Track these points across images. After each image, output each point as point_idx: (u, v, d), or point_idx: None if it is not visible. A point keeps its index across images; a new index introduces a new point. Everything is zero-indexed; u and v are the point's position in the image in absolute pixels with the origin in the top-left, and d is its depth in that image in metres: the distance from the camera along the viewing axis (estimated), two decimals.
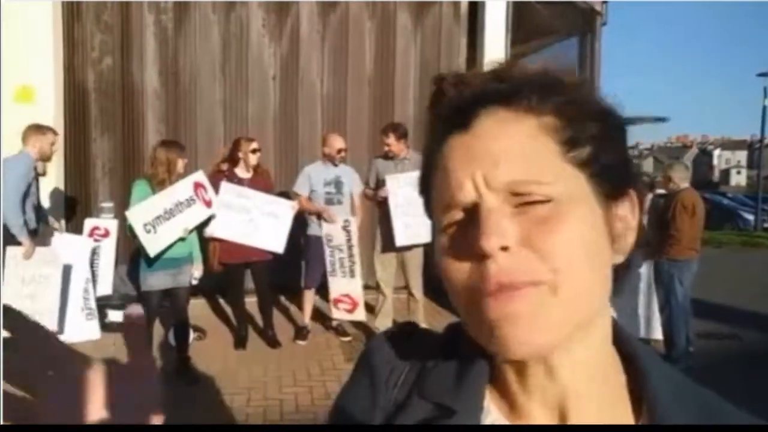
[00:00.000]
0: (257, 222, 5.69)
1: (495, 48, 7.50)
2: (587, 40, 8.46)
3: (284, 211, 5.84)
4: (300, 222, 6.08)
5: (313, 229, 5.98)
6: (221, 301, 7.13)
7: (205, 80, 7.51)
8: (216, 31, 7.51)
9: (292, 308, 6.91)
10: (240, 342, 5.89)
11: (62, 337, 5.66)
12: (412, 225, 5.53)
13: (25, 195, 5.11)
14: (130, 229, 4.85)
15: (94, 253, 6.36)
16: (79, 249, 6.07)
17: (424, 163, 0.63)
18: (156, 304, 4.99)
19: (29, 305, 5.20)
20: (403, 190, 5.57)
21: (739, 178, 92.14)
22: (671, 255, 5.55)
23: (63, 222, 6.58)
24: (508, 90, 0.56)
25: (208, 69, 7.51)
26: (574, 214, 0.53)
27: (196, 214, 5.22)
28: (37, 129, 5.37)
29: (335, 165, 5.94)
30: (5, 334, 0.44)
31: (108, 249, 6.52)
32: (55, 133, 5.56)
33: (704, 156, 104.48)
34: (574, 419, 0.57)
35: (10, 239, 5.10)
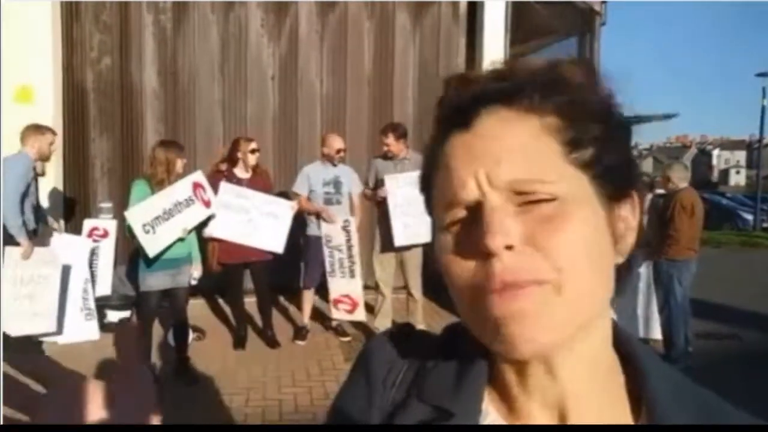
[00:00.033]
0: (256, 222, 5.69)
1: (494, 48, 7.50)
2: (586, 40, 8.46)
3: (283, 211, 5.84)
4: (299, 222, 6.08)
5: (312, 229, 5.98)
6: (220, 301, 7.13)
7: (204, 80, 7.51)
8: (215, 31, 7.51)
9: (292, 308, 6.91)
10: (239, 342, 5.88)
11: (61, 338, 5.68)
12: (411, 225, 5.53)
13: (24, 195, 5.10)
14: (129, 230, 4.85)
15: (93, 253, 6.36)
16: (78, 249, 6.06)
17: (426, 162, 0.63)
18: (155, 305, 4.98)
19: (28, 306, 5.19)
20: (402, 190, 5.57)
21: (738, 178, 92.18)
22: (670, 255, 5.56)
23: (62, 222, 6.58)
24: (509, 89, 0.56)
25: (207, 69, 7.51)
26: (577, 214, 0.53)
27: (195, 215, 5.22)
28: (35, 129, 5.36)
29: (334, 165, 5.94)
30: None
31: (107, 249, 6.52)
32: (53, 132, 5.56)
33: (703, 156, 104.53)
34: (573, 419, 0.57)
35: (9, 239, 5.09)
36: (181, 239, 5.01)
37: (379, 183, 5.83)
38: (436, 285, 6.06)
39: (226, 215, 5.56)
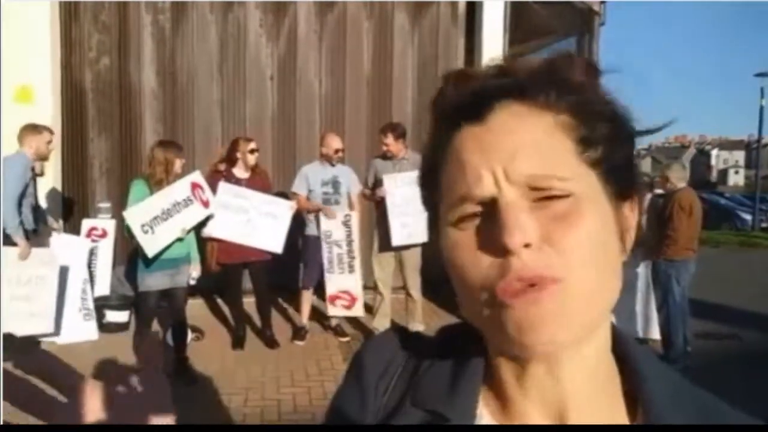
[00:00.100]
0: (255, 222, 5.68)
1: (493, 48, 7.50)
2: (585, 40, 8.47)
3: (282, 211, 5.84)
4: (298, 222, 6.08)
5: (311, 229, 5.97)
6: (219, 301, 7.13)
7: (203, 80, 7.50)
8: (213, 31, 7.51)
9: (290, 308, 6.91)
10: (238, 342, 5.88)
11: (60, 338, 5.67)
12: (409, 225, 5.53)
13: (23, 195, 5.09)
14: (128, 230, 4.85)
15: (92, 253, 6.36)
16: (77, 249, 6.06)
17: (429, 156, 0.62)
18: (154, 305, 4.98)
19: (25, 306, 5.19)
20: (400, 190, 5.57)
21: (736, 178, 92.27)
22: (669, 255, 5.56)
23: (61, 222, 6.58)
24: (524, 84, 0.56)
25: (206, 69, 7.50)
26: (590, 211, 0.53)
27: (193, 215, 5.22)
28: (32, 129, 5.36)
29: (333, 165, 5.94)
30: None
31: (106, 249, 6.52)
32: (51, 132, 5.54)
33: (702, 156, 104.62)
34: (572, 420, 0.57)
35: (7, 240, 5.09)
36: (179, 239, 5.01)
37: (378, 183, 5.83)
38: (435, 285, 6.07)
39: (224, 215, 5.56)
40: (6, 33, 6.19)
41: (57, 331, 5.62)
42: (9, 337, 4.82)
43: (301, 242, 6.21)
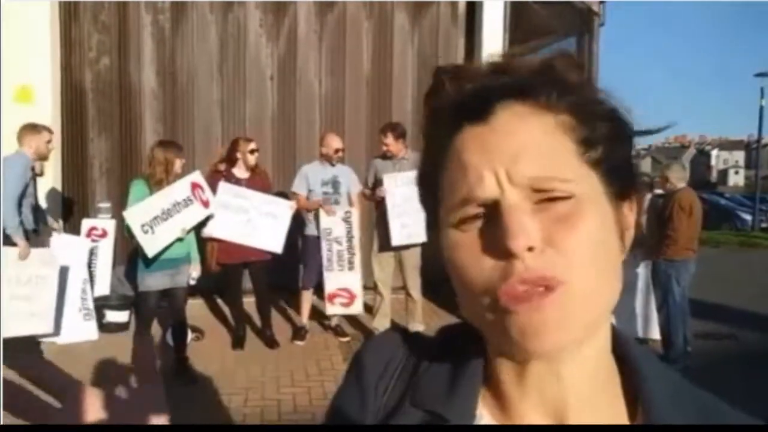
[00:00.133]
0: (255, 222, 5.68)
1: (493, 48, 7.46)
2: (585, 41, 8.46)
3: (282, 211, 5.84)
4: (298, 222, 6.08)
5: (311, 229, 5.97)
6: (219, 301, 7.13)
7: (203, 80, 7.50)
8: (213, 31, 7.51)
9: (290, 308, 6.91)
10: (238, 342, 5.88)
11: (60, 338, 5.67)
12: (408, 225, 5.53)
13: (22, 195, 5.09)
14: (128, 230, 4.85)
15: (92, 253, 6.36)
16: (77, 249, 6.06)
17: (428, 156, 0.61)
18: (154, 305, 4.98)
19: (25, 306, 5.18)
20: (400, 190, 5.57)
21: (736, 178, 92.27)
22: (668, 255, 5.56)
23: (60, 222, 6.58)
24: (526, 84, 0.56)
25: (206, 69, 7.50)
26: (591, 212, 0.53)
27: (193, 215, 5.22)
28: (32, 128, 5.34)
29: (332, 165, 5.94)
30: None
31: (106, 249, 6.52)
32: (50, 131, 5.52)
33: (702, 156, 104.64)
34: (572, 419, 0.57)
35: (8, 240, 5.08)
36: (179, 239, 5.01)
37: (378, 183, 5.83)
38: (435, 285, 6.06)
39: (225, 215, 5.56)
40: (6, 33, 6.19)
41: (57, 331, 5.62)
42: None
43: (301, 242, 6.21)
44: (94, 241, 6.42)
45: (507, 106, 0.55)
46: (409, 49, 8.03)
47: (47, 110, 6.55)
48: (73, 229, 6.65)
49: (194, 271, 5.21)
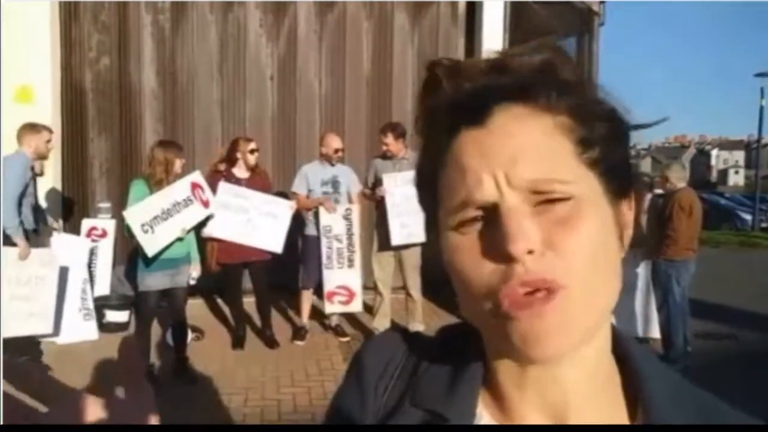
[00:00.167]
0: (255, 222, 5.68)
1: (493, 48, 7.46)
2: (585, 41, 8.47)
3: (282, 210, 5.84)
4: (298, 222, 6.08)
5: (311, 229, 5.97)
6: (219, 301, 7.13)
7: (203, 80, 7.50)
8: (213, 31, 7.51)
9: (290, 308, 6.91)
10: (238, 342, 5.88)
11: (60, 338, 5.67)
12: (408, 224, 5.53)
13: (23, 195, 5.08)
14: (128, 230, 4.84)
15: (92, 253, 6.36)
16: (77, 249, 6.06)
17: (426, 155, 0.61)
18: (154, 305, 4.98)
19: (24, 306, 5.18)
20: (400, 189, 5.57)
21: (736, 178, 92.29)
22: (668, 255, 5.56)
23: (60, 222, 6.58)
24: (522, 85, 0.55)
25: (206, 69, 7.50)
26: (590, 213, 0.53)
27: (193, 215, 5.22)
28: (31, 128, 5.34)
29: (332, 165, 5.94)
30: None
31: (106, 249, 6.52)
32: (50, 130, 5.51)
33: (702, 156, 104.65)
34: (572, 420, 0.57)
35: (8, 240, 5.08)
36: (179, 239, 5.01)
37: (378, 182, 5.83)
38: (435, 285, 6.06)
39: (225, 215, 5.56)
40: (6, 33, 6.19)
41: (56, 332, 5.62)
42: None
43: (301, 242, 6.21)
44: (94, 241, 6.42)
45: (505, 108, 0.54)
46: (409, 49, 8.03)
47: (47, 110, 6.55)
48: (73, 229, 6.65)
49: (194, 271, 5.21)
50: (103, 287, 6.43)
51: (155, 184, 4.95)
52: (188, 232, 5.13)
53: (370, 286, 6.20)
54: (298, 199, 5.92)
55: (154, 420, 0.47)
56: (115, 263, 6.68)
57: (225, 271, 5.77)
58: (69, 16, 7.06)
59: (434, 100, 0.60)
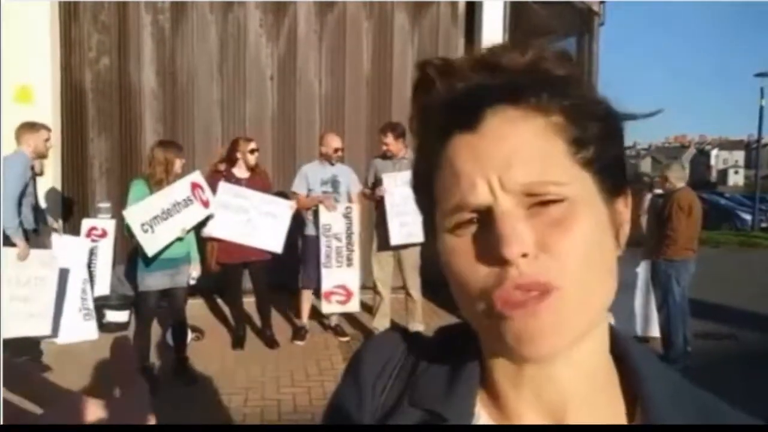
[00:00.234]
0: (255, 222, 5.69)
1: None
2: (585, 41, 8.47)
3: (282, 210, 5.84)
4: (298, 222, 6.08)
5: (311, 229, 5.97)
6: (219, 301, 7.13)
7: (203, 80, 7.50)
8: (213, 31, 7.51)
9: (290, 308, 6.91)
10: (238, 342, 5.88)
11: (60, 338, 5.67)
12: (408, 224, 5.53)
13: (22, 195, 5.08)
14: (128, 230, 4.84)
15: (92, 253, 6.36)
16: (77, 249, 6.06)
17: (421, 155, 0.61)
18: (154, 305, 4.98)
19: (24, 307, 5.18)
20: (399, 189, 5.57)
21: (736, 178, 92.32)
22: (668, 255, 5.56)
23: (60, 222, 6.57)
24: (513, 87, 0.55)
25: (206, 69, 7.51)
26: (585, 213, 0.53)
27: (193, 214, 5.22)
28: (30, 127, 5.33)
29: (332, 164, 5.94)
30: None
31: (105, 249, 6.52)
32: (48, 129, 5.50)
33: (702, 156, 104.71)
34: (570, 419, 0.57)
35: (8, 240, 5.08)
36: (179, 239, 5.01)
37: (378, 182, 5.84)
38: (434, 285, 6.06)
39: (225, 215, 5.56)
40: (6, 33, 6.19)
41: (56, 333, 5.62)
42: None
43: (301, 242, 6.21)
44: (94, 241, 6.42)
45: (498, 111, 0.54)
46: (409, 49, 8.03)
47: (47, 110, 6.54)
48: (73, 229, 6.65)
49: (194, 271, 5.21)
50: (103, 287, 6.43)
51: (155, 184, 4.95)
52: (188, 232, 5.13)
53: (369, 285, 6.20)
54: (298, 199, 5.92)
55: (148, 419, 0.47)
56: (115, 263, 6.68)
57: (225, 271, 5.77)
58: (69, 16, 7.06)
59: (427, 100, 0.60)
